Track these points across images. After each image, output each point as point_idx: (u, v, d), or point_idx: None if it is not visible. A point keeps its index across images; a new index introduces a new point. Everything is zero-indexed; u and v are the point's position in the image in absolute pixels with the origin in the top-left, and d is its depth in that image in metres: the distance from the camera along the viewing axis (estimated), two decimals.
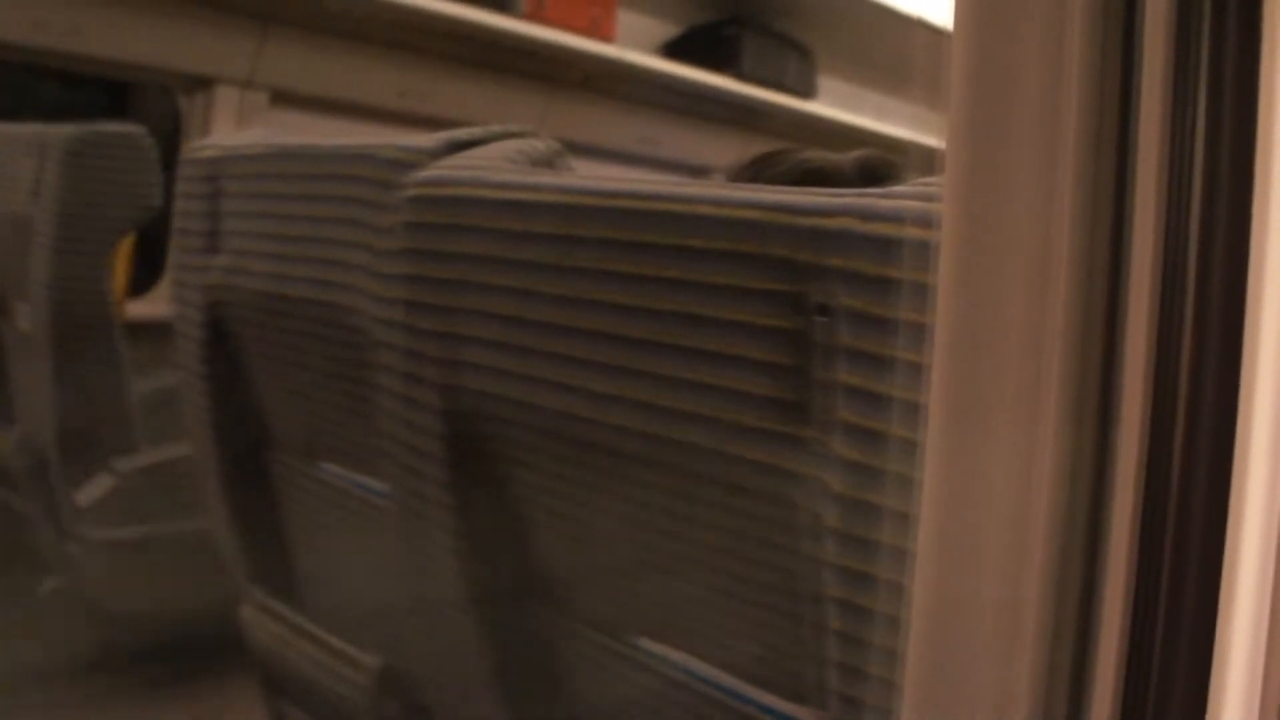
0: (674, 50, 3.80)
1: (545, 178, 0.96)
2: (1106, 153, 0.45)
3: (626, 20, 3.57)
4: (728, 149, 4.12)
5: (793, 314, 0.73)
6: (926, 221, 0.65)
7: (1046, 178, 0.45)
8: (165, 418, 1.78)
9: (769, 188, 0.78)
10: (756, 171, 1.15)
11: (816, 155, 1.14)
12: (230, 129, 2.88)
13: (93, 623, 2.31)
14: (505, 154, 1.01)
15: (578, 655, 1.01)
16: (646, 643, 0.94)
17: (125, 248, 2.57)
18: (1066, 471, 0.46)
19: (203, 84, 2.90)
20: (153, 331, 2.01)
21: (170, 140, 2.86)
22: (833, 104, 4.20)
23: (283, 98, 3.01)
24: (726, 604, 0.85)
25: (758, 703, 0.86)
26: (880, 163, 1.13)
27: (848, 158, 1.14)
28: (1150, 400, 0.44)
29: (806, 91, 4.06)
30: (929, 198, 0.67)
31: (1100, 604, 0.46)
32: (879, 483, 0.68)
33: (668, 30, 3.85)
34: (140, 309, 2.76)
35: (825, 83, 4.20)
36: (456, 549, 1.02)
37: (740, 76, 3.77)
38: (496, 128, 1.08)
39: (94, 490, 2.11)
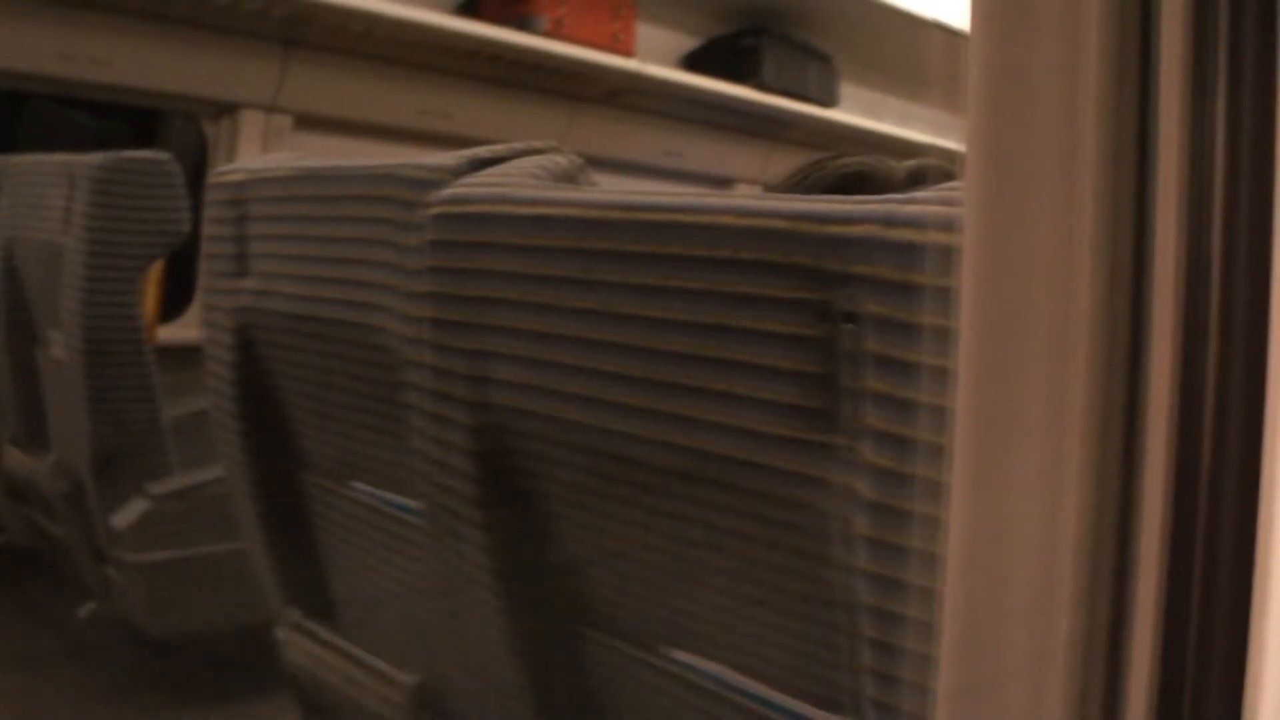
0: (695, 62, 3.81)
1: (568, 192, 0.96)
2: (1126, 152, 0.45)
3: (646, 34, 3.58)
4: (752, 160, 4.12)
5: (819, 322, 0.73)
6: (949, 226, 0.65)
7: (1067, 178, 0.45)
8: (199, 441, 1.80)
9: (795, 197, 0.78)
10: (797, 181, 1.14)
11: (857, 160, 1.13)
12: (255, 153, 2.90)
13: (130, 644, 2.33)
14: (527, 170, 1.02)
15: (612, 669, 1.01)
16: (681, 654, 0.94)
17: (155, 273, 2.60)
18: (1094, 474, 0.45)
19: (228, 110, 2.93)
20: (184, 356, 2.03)
21: (197, 166, 2.88)
22: (855, 111, 4.19)
23: (307, 121, 3.03)
24: (760, 613, 0.85)
25: (794, 712, 0.85)
26: (935, 172, 1.11)
27: (901, 166, 1.12)
28: (1178, 400, 0.44)
29: (828, 100, 4.06)
30: (951, 202, 0.67)
31: (1133, 606, 0.45)
32: (909, 488, 0.68)
33: (688, 43, 3.86)
34: (171, 334, 2.78)
35: (847, 90, 4.20)
36: (489, 565, 1.03)
37: (761, 87, 3.77)
38: (518, 144, 1.08)
39: (129, 514, 2.12)
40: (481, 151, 1.07)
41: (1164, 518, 0.44)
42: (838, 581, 0.76)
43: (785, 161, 4.11)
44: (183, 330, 2.82)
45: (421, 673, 1.20)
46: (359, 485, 1.26)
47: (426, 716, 1.19)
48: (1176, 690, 0.45)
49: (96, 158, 2.06)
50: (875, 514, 0.70)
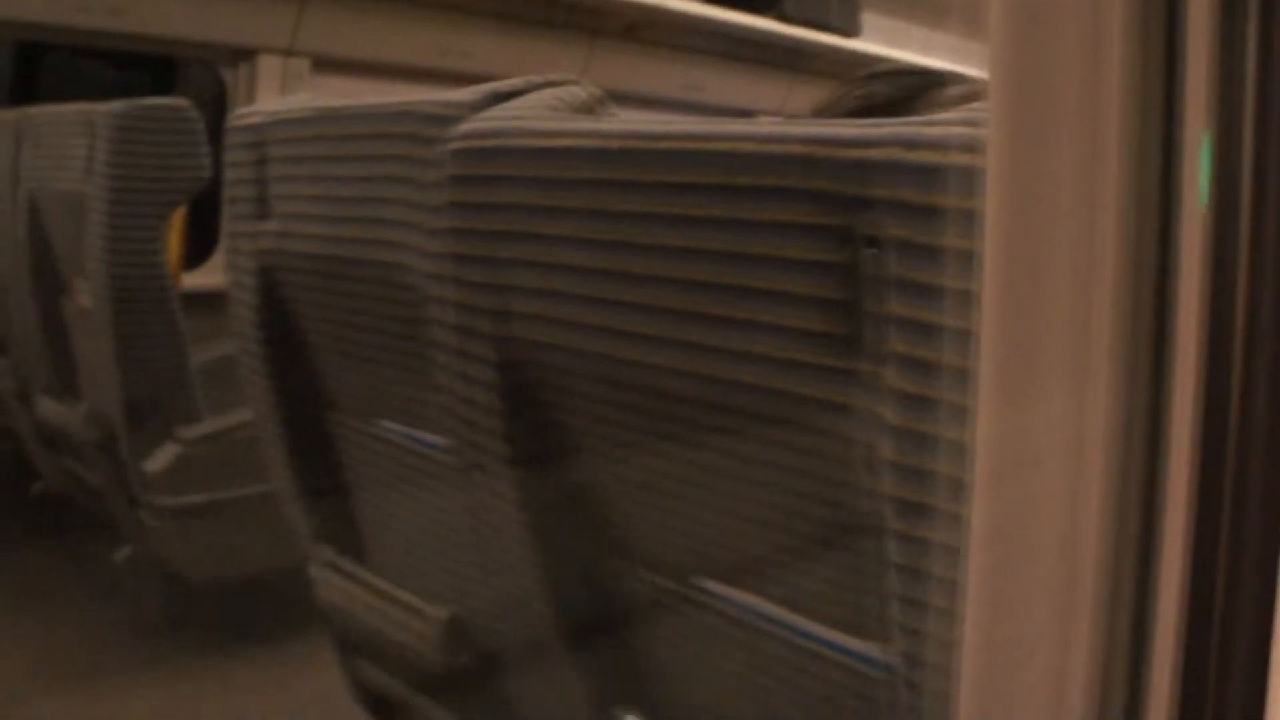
0: None
1: (587, 123, 0.95)
2: (1154, 66, 0.44)
3: None
4: (774, 92, 4.09)
5: (841, 247, 0.72)
6: (972, 147, 0.64)
7: (1092, 96, 0.44)
8: (227, 385, 1.81)
9: (816, 120, 0.77)
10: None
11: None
12: (274, 97, 2.89)
13: (167, 586, 2.36)
14: (546, 103, 1.01)
15: (641, 599, 1.01)
16: (709, 584, 0.95)
17: (179, 221, 2.60)
18: (1123, 392, 0.45)
19: (245, 55, 2.91)
20: (210, 302, 2.04)
21: (217, 112, 2.88)
22: (878, 40, 4.14)
23: (325, 64, 3.02)
24: (786, 541, 0.85)
25: (821, 639, 0.86)
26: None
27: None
28: (1208, 316, 0.43)
29: (850, 29, 4.01)
30: (974, 124, 0.66)
31: (1160, 539, 0.45)
32: (933, 413, 0.68)
33: None
34: (197, 280, 2.80)
35: (869, 19, 4.15)
36: (517, 499, 1.03)
37: (783, 18, 3.73)
38: (537, 78, 1.07)
39: (161, 459, 2.15)
40: (500, 86, 1.06)
41: (1194, 425, 0.44)
42: (863, 508, 0.76)
43: (808, 93, 4.07)
44: (208, 277, 2.83)
45: (452, 607, 1.21)
46: (386, 423, 1.26)
47: (459, 649, 1.20)
48: (1203, 634, 0.44)
49: (116, 106, 2.06)
50: (900, 439, 0.70)
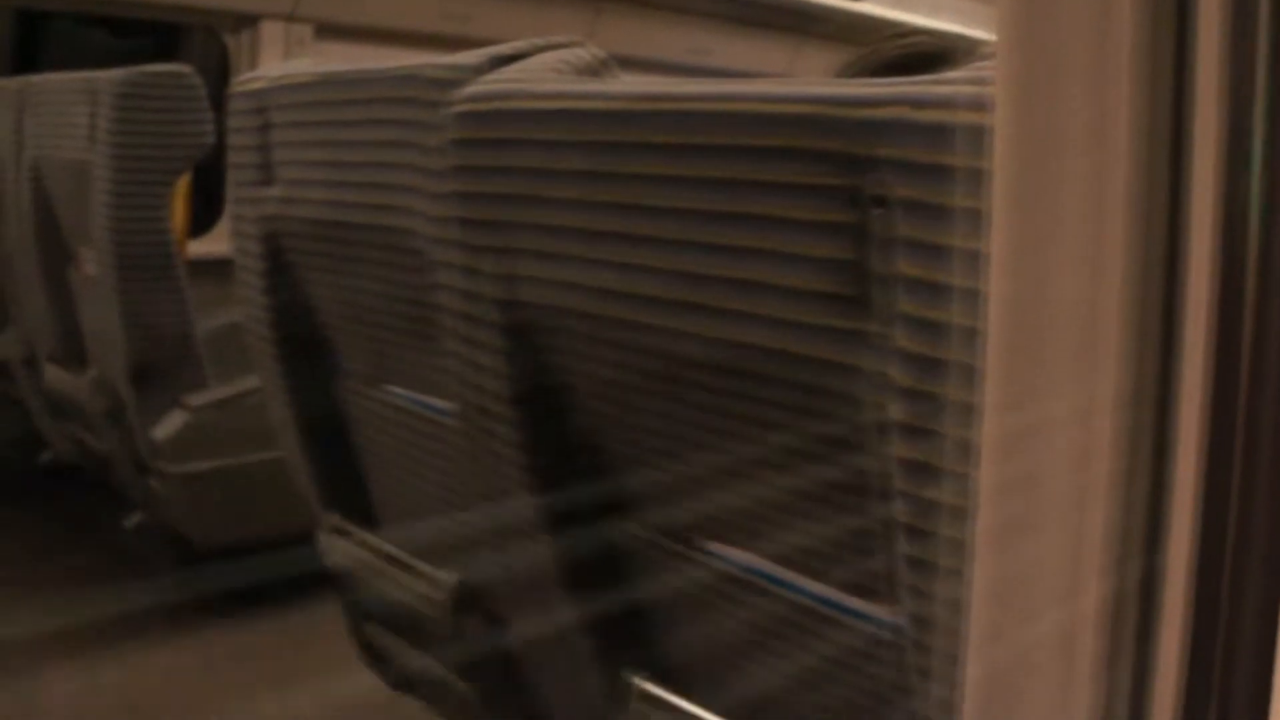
0: None
1: (591, 85, 0.94)
2: (1165, 20, 0.43)
3: None
4: (780, 55, 4.06)
5: (849, 208, 0.71)
6: (980, 105, 0.63)
7: (1100, 52, 0.44)
8: (234, 353, 1.81)
9: (824, 80, 0.77)
10: (859, 64, 1.08)
11: (925, 39, 1.06)
12: (277, 64, 2.88)
13: (178, 553, 2.37)
14: (550, 65, 1.00)
15: (649, 562, 1.01)
16: (717, 546, 0.95)
17: (183, 188, 2.60)
18: (1133, 359, 0.45)
19: (248, 21, 2.90)
20: (217, 269, 2.04)
21: (220, 79, 2.87)
22: (885, 2, 4.11)
23: (327, 30, 3.01)
24: (795, 503, 0.85)
25: (830, 600, 0.86)
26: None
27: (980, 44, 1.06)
28: (1219, 269, 0.43)
29: None
30: (982, 82, 0.65)
31: (1168, 522, 0.45)
32: (942, 374, 0.67)
33: None
34: (202, 248, 2.80)
35: None
36: (523, 462, 1.03)
37: None
38: (540, 40, 1.06)
39: (169, 426, 2.16)
40: (503, 48, 1.05)
41: (1203, 404, 0.43)
42: (872, 469, 0.76)
43: (814, 56, 4.05)
44: (214, 244, 2.83)
45: (461, 571, 1.22)
46: (393, 389, 1.26)
47: (468, 614, 1.21)
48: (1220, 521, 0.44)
49: (118, 73, 2.06)
50: (909, 400, 0.70)
